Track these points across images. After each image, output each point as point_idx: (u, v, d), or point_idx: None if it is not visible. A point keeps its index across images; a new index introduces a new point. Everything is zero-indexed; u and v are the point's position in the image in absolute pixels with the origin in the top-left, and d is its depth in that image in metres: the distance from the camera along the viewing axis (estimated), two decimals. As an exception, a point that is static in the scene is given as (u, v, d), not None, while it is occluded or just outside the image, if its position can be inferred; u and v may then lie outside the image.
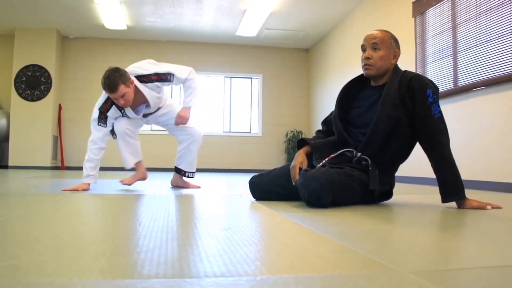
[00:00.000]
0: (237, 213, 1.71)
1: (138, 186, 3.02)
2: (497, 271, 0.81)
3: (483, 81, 3.58)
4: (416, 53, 4.59)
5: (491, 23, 3.52)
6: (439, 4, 4.23)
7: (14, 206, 1.78)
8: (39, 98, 7.35)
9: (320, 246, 1.02)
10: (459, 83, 3.91)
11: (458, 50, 3.93)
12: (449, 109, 3.84)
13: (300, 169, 1.94)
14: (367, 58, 2.00)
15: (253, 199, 2.16)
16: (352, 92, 2.16)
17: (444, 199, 1.88)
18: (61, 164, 7.66)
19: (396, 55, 2.03)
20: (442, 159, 1.89)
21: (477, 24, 3.69)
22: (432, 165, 1.93)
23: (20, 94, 7.30)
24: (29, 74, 7.32)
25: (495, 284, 0.74)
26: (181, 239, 1.06)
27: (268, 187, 2.12)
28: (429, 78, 2.45)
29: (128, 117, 2.80)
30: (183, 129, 2.99)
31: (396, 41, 2.05)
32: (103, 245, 0.97)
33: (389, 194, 2.08)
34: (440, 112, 1.93)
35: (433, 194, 2.78)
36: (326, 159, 1.95)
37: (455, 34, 3.98)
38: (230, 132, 8.31)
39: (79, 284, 0.67)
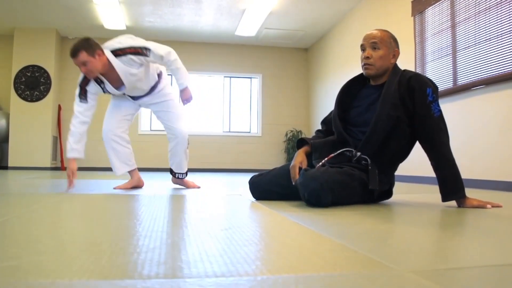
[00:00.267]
0: (237, 213, 1.71)
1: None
2: (497, 270, 0.81)
3: (483, 80, 3.58)
4: (415, 52, 4.59)
5: (490, 21, 3.52)
6: (438, 3, 4.23)
7: (14, 207, 1.78)
8: (38, 98, 7.35)
9: (320, 246, 1.02)
10: (459, 82, 3.91)
11: (457, 49, 3.93)
12: (448, 108, 3.84)
13: (300, 168, 1.94)
14: (367, 58, 2.00)
15: (253, 199, 2.16)
16: (351, 91, 2.16)
17: (444, 198, 1.88)
18: (60, 165, 7.66)
19: (396, 55, 2.03)
20: (442, 158, 1.89)
21: (476, 23, 3.70)
22: (432, 164, 1.93)
23: (19, 95, 7.30)
24: (29, 74, 7.32)
25: (495, 283, 0.74)
26: (181, 239, 1.06)
27: (268, 187, 2.12)
28: (429, 77, 2.45)
29: (112, 94, 2.75)
30: (169, 127, 2.94)
31: (395, 40, 2.05)
32: (103, 245, 0.97)
33: (389, 194, 2.08)
34: (440, 111, 1.93)
35: (433, 193, 2.79)
36: (326, 158, 1.95)
37: (454, 33, 3.98)
38: (229, 132, 8.31)
39: (79, 285, 0.67)
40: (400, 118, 1.92)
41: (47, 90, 7.35)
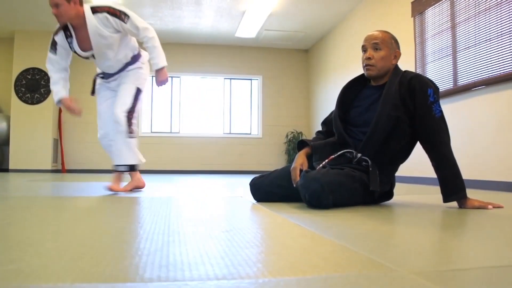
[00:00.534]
0: (238, 215, 1.71)
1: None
2: (499, 271, 0.81)
3: (483, 80, 3.58)
4: (415, 53, 4.59)
5: (490, 22, 3.52)
6: (438, 3, 4.23)
7: (15, 209, 1.78)
8: (39, 101, 7.35)
9: (321, 247, 1.02)
10: (459, 83, 3.91)
11: (458, 50, 3.93)
12: (449, 109, 3.84)
13: (301, 170, 1.94)
14: (368, 59, 2.00)
15: (254, 201, 2.16)
16: (352, 92, 2.16)
17: (446, 199, 1.88)
18: (61, 167, 7.66)
19: (397, 56, 2.03)
20: (443, 159, 1.89)
21: (476, 23, 3.70)
22: (433, 165, 1.93)
23: (20, 98, 7.30)
24: (29, 77, 7.33)
25: (497, 285, 0.74)
26: (182, 242, 1.06)
27: (269, 189, 2.11)
28: (429, 77, 2.45)
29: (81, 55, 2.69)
30: (111, 108, 2.78)
31: (396, 41, 2.05)
32: (104, 249, 0.97)
33: (389, 195, 2.08)
34: (441, 111, 1.93)
35: (434, 194, 2.78)
36: (326, 160, 1.95)
37: (455, 34, 3.98)
38: (230, 133, 8.31)
39: (80, 288, 0.67)
40: (401, 118, 1.92)
41: (48, 93, 7.35)
